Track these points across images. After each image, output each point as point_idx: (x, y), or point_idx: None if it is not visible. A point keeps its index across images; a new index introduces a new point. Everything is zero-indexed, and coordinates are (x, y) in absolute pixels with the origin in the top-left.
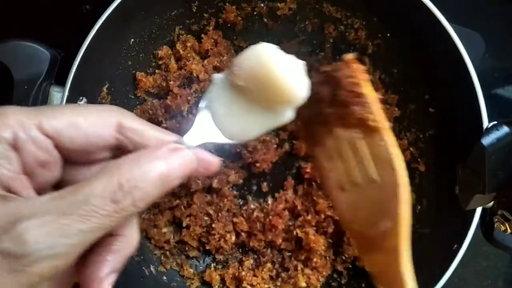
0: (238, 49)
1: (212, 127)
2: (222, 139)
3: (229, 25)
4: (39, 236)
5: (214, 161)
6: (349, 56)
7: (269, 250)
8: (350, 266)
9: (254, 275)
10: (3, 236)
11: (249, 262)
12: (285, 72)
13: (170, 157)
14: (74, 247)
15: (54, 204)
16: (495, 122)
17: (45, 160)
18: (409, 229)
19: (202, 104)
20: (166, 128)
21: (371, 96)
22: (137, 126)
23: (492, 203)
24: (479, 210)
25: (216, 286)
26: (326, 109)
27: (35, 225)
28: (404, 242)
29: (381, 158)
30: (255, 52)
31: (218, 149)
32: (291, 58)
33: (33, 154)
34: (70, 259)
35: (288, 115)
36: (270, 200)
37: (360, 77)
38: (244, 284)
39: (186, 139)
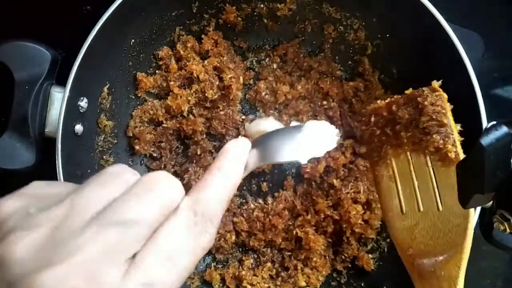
0: (238, 50)
1: None
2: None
3: (229, 25)
4: None
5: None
6: (436, 83)
7: (269, 250)
8: (350, 265)
9: (254, 275)
10: None
11: (249, 261)
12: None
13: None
14: None
15: None
16: (494, 122)
17: None
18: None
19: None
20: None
21: (453, 126)
22: None
23: (491, 202)
24: (478, 210)
25: (216, 286)
26: (402, 132)
27: None
28: (463, 272)
29: (453, 189)
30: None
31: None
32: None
33: None
34: None
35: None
36: (270, 200)
37: (445, 107)
38: (244, 284)
39: None
